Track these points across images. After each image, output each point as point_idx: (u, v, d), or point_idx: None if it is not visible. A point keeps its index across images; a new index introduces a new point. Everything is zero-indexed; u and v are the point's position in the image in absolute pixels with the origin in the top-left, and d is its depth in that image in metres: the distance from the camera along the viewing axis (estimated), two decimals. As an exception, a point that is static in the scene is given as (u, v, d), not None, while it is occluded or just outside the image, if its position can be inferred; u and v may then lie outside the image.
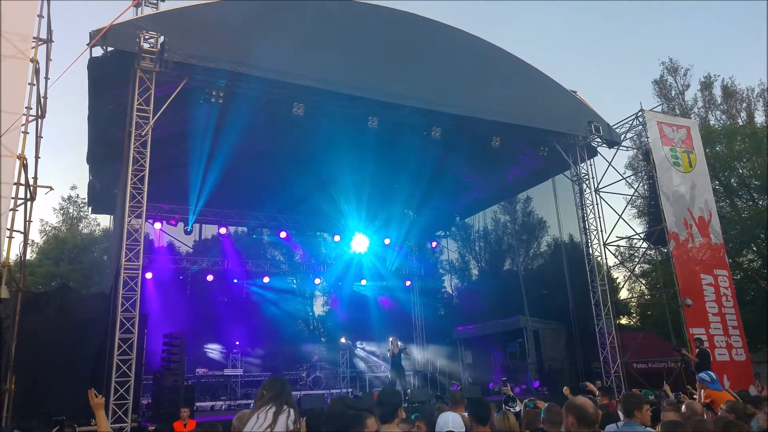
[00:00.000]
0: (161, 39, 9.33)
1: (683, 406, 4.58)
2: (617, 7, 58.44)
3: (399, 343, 13.30)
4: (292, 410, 3.31)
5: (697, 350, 10.83)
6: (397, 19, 11.98)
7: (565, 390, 7.38)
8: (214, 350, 16.67)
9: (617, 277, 23.19)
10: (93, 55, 9.19)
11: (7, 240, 7.34)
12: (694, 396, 6.60)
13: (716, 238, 13.98)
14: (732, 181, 22.41)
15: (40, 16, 8.29)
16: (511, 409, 6.65)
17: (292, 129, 12.23)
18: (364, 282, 19.90)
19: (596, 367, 13.07)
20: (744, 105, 26.62)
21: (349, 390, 16.36)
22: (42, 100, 8.88)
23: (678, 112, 25.30)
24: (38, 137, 8.83)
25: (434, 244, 20.72)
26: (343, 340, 18.38)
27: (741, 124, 24.70)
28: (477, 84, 12.49)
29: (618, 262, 16.20)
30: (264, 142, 13.16)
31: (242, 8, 10.49)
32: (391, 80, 11.48)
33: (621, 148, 14.78)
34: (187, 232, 16.97)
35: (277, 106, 11.25)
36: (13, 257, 7.96)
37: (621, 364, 12.91)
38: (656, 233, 13.69)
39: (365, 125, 11.81)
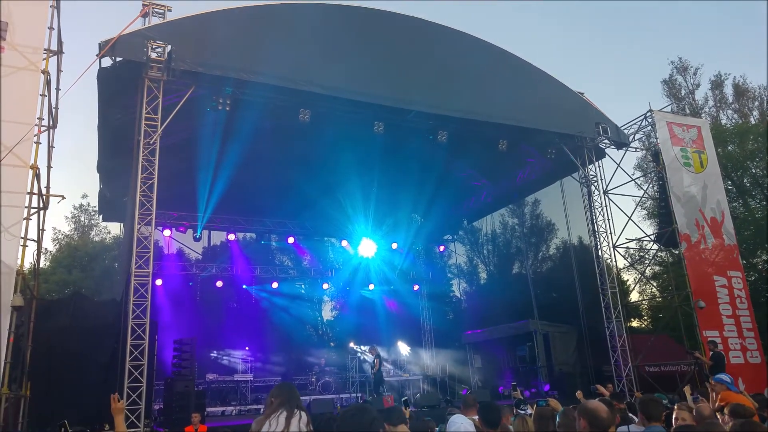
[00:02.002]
0: (168, 48, 9.47)
1: (693, 410, 4.53)
2: (624, 7, 58.21)
3: (376, 354, 13.22)
4: (303, 413, 3.33)
5: (711, 353, 10.67)
6: (402, 23, 12.03)
7: (578, 394, 7.30)
8: (224, 356, 16.73)
9: (627, 280, 22.93)
10: (102, 66, 9.35)
11: (21, 248, 7.45)
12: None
13: (729, 239, 13.79)
14: (745, 180, 22.09)
15: (51, 28, 8.42)
16: (523, 412, 6.59)
17: (298, 135, 12.32)
18: (372, 287, 19.89)
19: (607, 370, 12.93)
20: (756, 103, 26.28)
21: (359, 395, 16.33)
22: (53, 110, 9.02)
23: (688, 111, 25.01)
24: (50, 147, 8.96)
25: (442, 248, 20.68)
26: (351, 344, 18.37)
27: (753, 122, 24.35)
28: (482, 87, 12.49)
29: (628, 264, 15.96)
30: (271, 149, 13.25)
31: (248, 16, 10.61)
32: (396, 85, 11.52)
33: (630, 149, 14.67)
34: (196, 239, 17.16)
35: (283, 112, 11.34)
36: (27, 265, 8.04)
37: (633, 368, 12.75)
38: (667, 235, 13.54)
39: (371, 130, 11.85)
